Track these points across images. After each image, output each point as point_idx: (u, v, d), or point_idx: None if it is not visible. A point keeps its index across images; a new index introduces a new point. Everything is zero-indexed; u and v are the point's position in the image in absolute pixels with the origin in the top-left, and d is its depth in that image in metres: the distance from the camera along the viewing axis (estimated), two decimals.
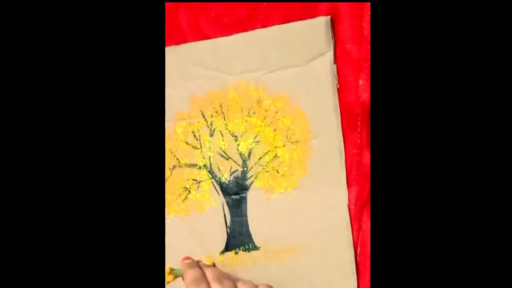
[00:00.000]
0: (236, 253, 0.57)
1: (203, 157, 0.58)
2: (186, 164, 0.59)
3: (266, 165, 0.57)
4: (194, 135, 0.59)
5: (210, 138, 0.58)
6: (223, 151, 0.58)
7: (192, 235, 0.58)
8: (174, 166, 0.59)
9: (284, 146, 0.56)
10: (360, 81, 0.55)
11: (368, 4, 0.54)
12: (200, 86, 0.58)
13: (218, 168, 0.58)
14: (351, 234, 0.54)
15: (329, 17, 0.55)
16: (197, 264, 0.54)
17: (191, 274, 0.52)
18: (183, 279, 0.53)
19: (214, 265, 0.57)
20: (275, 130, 0.57)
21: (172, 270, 0.54)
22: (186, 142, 0.59)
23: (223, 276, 0.51)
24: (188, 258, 0.56)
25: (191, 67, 0.58)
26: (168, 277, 0.54)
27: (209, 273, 0.51)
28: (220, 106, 0.58)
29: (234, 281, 0.51)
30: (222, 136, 0.58)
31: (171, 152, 0.59)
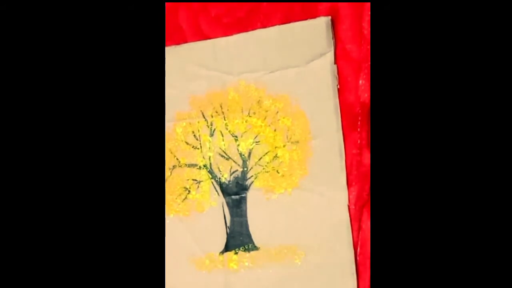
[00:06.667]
0: (236, 253, 0.57)
1: (203, 157, 0.58)
2: (186, 164, 0.59)
3: (266, 165, 0.57)
4: (194, 135, 0.59)
5: (210, 138, 0.58)
6: (223, 151, 0.58)
7: (192, 235, 0.58)
8: (174, 166, 0.59)
9: (284, 146, 0.56)
10: (360, 81, 0.55)
11: (368, 4, 0.54)
12: (200, 86, 0.58)
13: (218, 168, 0.58)
14: (351, 234, 0.54)
15: (329, 17, 0.55)
16: None
17: None
18: None
19: None
20: (275, 130, 0.57)
21: None
22: (186, 142, 0.59)
23: None
24: None
25: (191, 67, 0.58)
26: None
27: None
28: (220, 106, 0.58)
29: None
30: (222, 136, 0.58)
31: (171, 152, 0.59)
